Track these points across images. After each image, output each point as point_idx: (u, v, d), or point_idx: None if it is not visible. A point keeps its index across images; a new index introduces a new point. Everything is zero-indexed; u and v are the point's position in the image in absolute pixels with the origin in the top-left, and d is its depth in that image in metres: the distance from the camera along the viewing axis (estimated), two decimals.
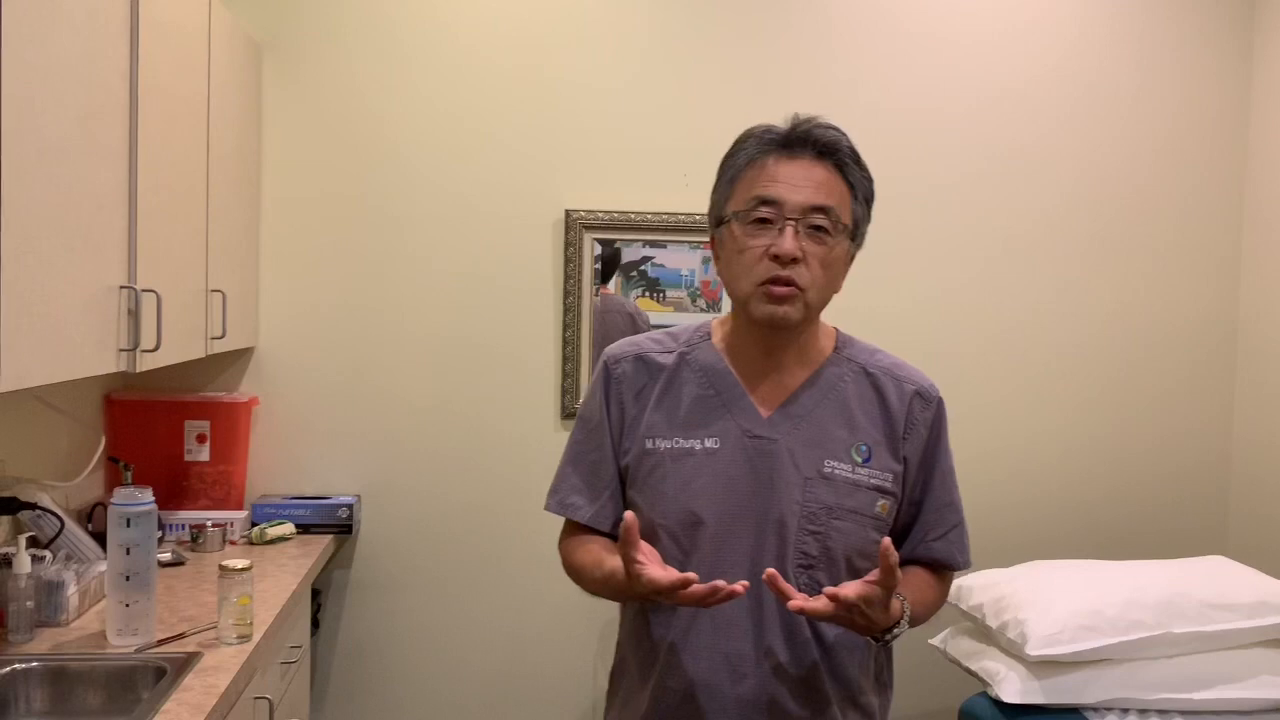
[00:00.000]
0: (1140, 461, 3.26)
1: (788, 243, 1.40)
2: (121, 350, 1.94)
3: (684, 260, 3.09)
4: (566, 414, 3.05)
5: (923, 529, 1.55)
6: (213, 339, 2.52)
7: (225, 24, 2.58)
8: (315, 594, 2.90)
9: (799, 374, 1.51)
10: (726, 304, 3.15)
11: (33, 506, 2.22)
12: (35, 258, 1.60)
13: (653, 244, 3.07)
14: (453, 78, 3.00)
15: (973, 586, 2.71)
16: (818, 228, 1.43)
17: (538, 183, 3.03)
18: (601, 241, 3.04)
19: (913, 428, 1.52)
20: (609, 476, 1.56)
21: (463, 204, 3.02)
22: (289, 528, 2.81)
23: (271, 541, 2.76)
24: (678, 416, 1.51)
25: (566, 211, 3.01)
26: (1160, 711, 2.44)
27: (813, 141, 1.45)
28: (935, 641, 2.83)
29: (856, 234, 1.49)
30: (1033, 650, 2.43)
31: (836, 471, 1.47)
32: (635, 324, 3.05)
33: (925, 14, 3.12)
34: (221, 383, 2.96)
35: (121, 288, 1.93)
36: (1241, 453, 3.25)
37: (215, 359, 2.78)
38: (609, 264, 3.06)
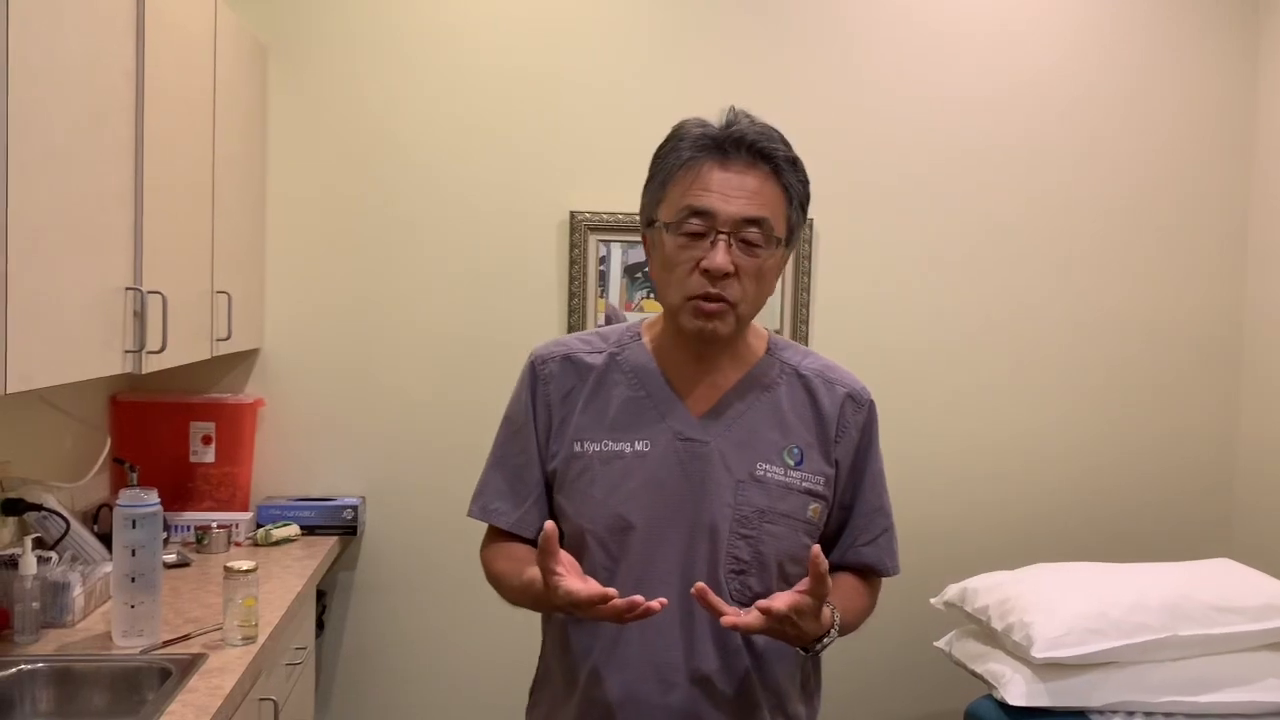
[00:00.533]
0: (1145, 462, 3.25)
1: (719, 257, 1.35)
2: (127, 351, 1.94)
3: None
4: None
5: (852, 534, 1.51)
6: (218, 340, 2.52)
7: (230, 25, 2.58)
8: (320, 595, 2.90)
9: (731, 375, 1.47)
10: None
11: (38, 508, 2.22)
12: (41, 259, 1.60)
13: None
14: (457, 79, 3.00)
15: (978, 589, 2.71)
16: (750, 241, 1.38)
17: (542, 184, 3.03)
18: (632, 244, 3.04)
19: (844, 431, 1.48)
20: (534, 481, 1.51)
21: (467, 205, 3.02)
22: (294, 529, 2.81)
23: (276, 543, 2.76)
24: (606, 418, 1.46)
25: (571, 213, 3.01)
26: (1166, 714, 2.43)
27: (748, 145, 1.38)
28: (940, 644, 2.82)
29: (791, 240, 1.45)
30: (1038, 653, 2.43)
31: (769, 474, 1.43)
32: None
33: (931, 12, 3.12)
34: (227, 384, 2.96)
35: (127, 289, 1.94)
36: (1247, 454, 3.24)
37: (220, 360, 2.78)
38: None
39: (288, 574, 2.49)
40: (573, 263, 3.02)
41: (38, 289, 1.59)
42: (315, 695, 2.90)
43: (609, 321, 3.03)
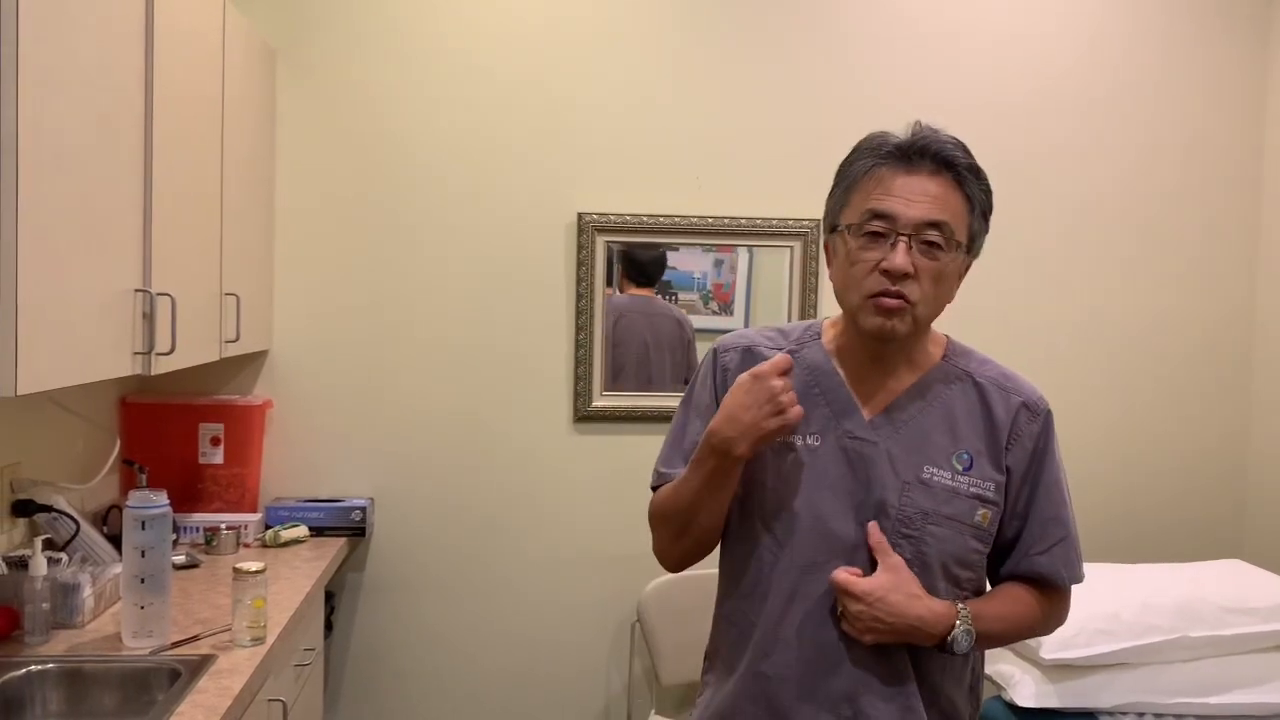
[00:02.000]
0: (1155, 463, 3.24)
1: (899, 258, 1.40)
2: (136, 353, 1.95)
3: (696, 263, 3.09)
4: (579, 416, 3.05)
5: (1026, 543, 1.52)
6: (227, 342, 2.53)
7: (239, 29, 2.59)
8: (329, 596, 2.91)
9: (905, 379, 1.51)
10: (738, 306, 3.17)
11: (49, 509, 2.23)
12: (51, 262, 1.61)
13: (665, 246, 3.07)
14: (465, 82, 3.00)
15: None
16: (930, 243, 1.41)
17: (550, 185, 3.03)
18: (637, 245, 3.05)
19: (1017, 439, 1.51)
20: None
21: (476, 207, 3.02)
22: (303, 530, 2.82)
23: (285, 544, 2.76)
24: None
25: (579, 214, 3.02)
26: (1176, 716, 2.43)
27: (931, 154, 1.43)
28: None
29: (972, 247, 1.49)
30: (1048, 654, 2.42)
31: (935, 478, 1.47)
32: (684, 329, 3.06)
33: (941, 16, 3.12)
34: (235, 386, 2.97)
35: (136, 291, 1.94)
36: (1258, 454, 3.23)
37: (229, 362, 2.79)
38: (650, 266, 3.06)
39: (296, 575, 2.50)
40: (580, 264, 3.02)
41: (48, 291, 1.60)
42: (324, 696, 2.90)
43: (649, 310, 3.06)
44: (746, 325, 3.12)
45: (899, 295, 1.41)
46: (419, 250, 3.02)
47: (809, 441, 1.49)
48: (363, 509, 2.90)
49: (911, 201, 1.41)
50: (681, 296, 3.09)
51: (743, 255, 3.11)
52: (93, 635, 2.02)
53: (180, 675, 1.82)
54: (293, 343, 3.00)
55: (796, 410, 1.41)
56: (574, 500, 3.09)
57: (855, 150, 1.50)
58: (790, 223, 3.06)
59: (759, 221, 3.06)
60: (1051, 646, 2.42)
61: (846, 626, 1.43)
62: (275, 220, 2.98)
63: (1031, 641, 2.46)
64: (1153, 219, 3.21)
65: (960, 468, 1.48)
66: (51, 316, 1.61)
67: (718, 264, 3.09)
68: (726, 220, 3.04)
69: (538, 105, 3.02)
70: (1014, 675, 2.50)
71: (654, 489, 1.65)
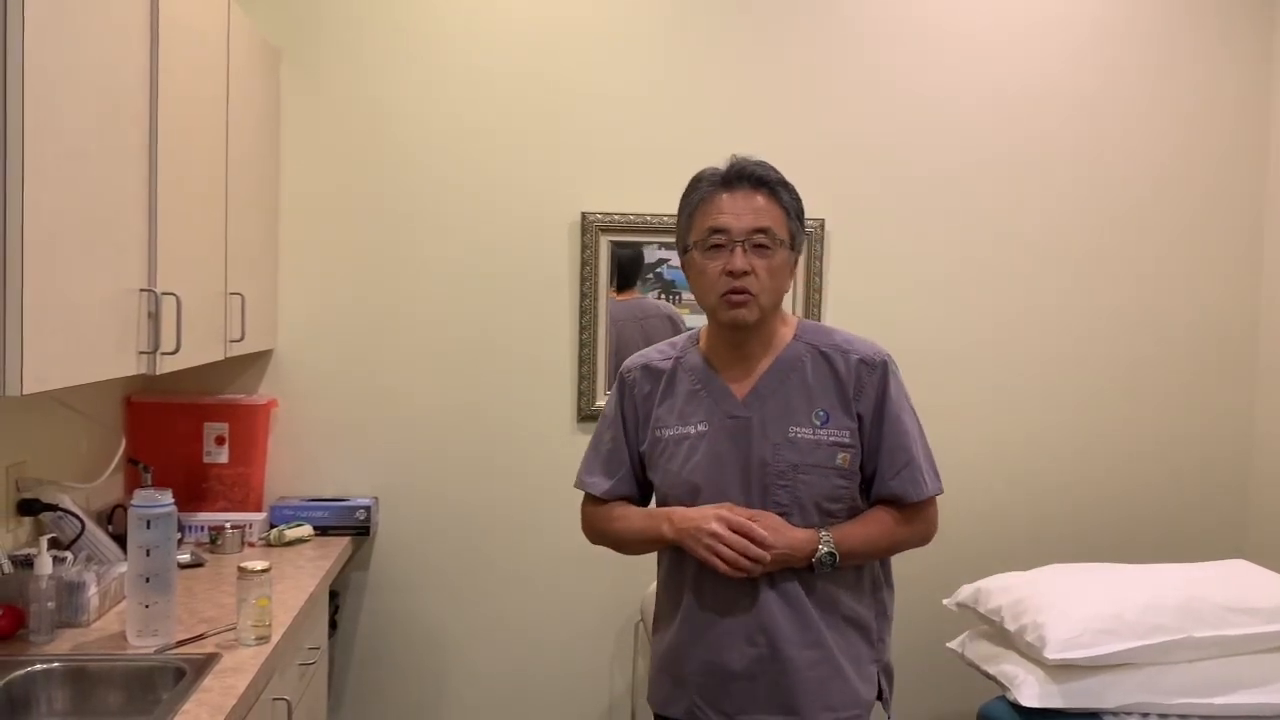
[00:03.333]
0: (1160, 463, 3.24)
1: (738, 261, 1.76)
2: (141, 353, 1.95)
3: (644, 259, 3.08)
4: (583, 415, 3.05)
5: (881, 472, 1.83)
6: (232, 341, 2.53)
7: (244, 29, 2.60)
8: (333, 595, 2.91)
9: (764, 361, 1.85)
10: None
11: (54, 508, 2.24)
12: (57, 261, 1.61)
13: (668, 246, 3.06)
14: (469, 81, 3.01)
15: (991, 589, 2.70)
16: (760, 245, 1.77)
17: (554, 185, 3.03)
18: (619, 244, 3.05)
19: (861, 390, 1.82)
20: (621, 461, 1.94)
21: (480, 206, 3.02)
22: (307, 529, 2.82)
23: (290, 543, 2.77)
24: (675, 409, 1.87)
25: (583, 214, 3.02)
26: (1180, 716, 2.42)
27: (748, 177, 1.80)
28: (953, 645, 2.81)
29: (794, 244, 1.82)
30: (1052, 654, 2.42)
31: (799, 435, 1.80)
32: (675, 326, 3.06)
33: (939, 13, 3.11)
34: (240, 385, 2.97)
35: (141, 290, 1.95)
36: (1262, 453, 3.23)
37: (234, 361, 2.80)
38: (628, 266, 3.06)
39: (301, 574, 2.50)
40: (584, 263, 3.02)
41: (53, 291, 1.60)
42: (328, 695, 2.91)
43: (641, 314, 3.08)
44: None
45: (743, 290, 1.75)
46: (423, 250, 3.02)
47: (699, 428, 1.84)
48: (367, 508, 2.91)
49: (739, 215, 1.78)
50: (685, 296, 3.09)
51: None
52: (98, 634, 2.02)
53: (185, 674, 1.83)
54: (297, 342, 3.00)
55: (716, 563, 1.73)
56: (577, 499, 3.06)
57: (690, 185, 1.86)
58: None
59: None
60: (1056, 647, 2.42)
61: (713, 567, 1.73)
62: (279, 219, 2.98)
63: (1035, 641, 2.45)
64: (1156, 217, 3.20)
65: (819, 423, 1.81)
66: (57, 316, 1.61)
67: None
68: None
69: (542, 105, 3.02)
70: (1018, 675, 2.50)
71: (576, 486, 2.03)
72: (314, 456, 3.01)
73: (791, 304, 3.10)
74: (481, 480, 3.06)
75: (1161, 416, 3.23)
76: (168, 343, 2.01)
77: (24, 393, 1.52)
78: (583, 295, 3.03)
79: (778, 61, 3.07)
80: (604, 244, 3.03)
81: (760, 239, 1.77)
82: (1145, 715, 2.43)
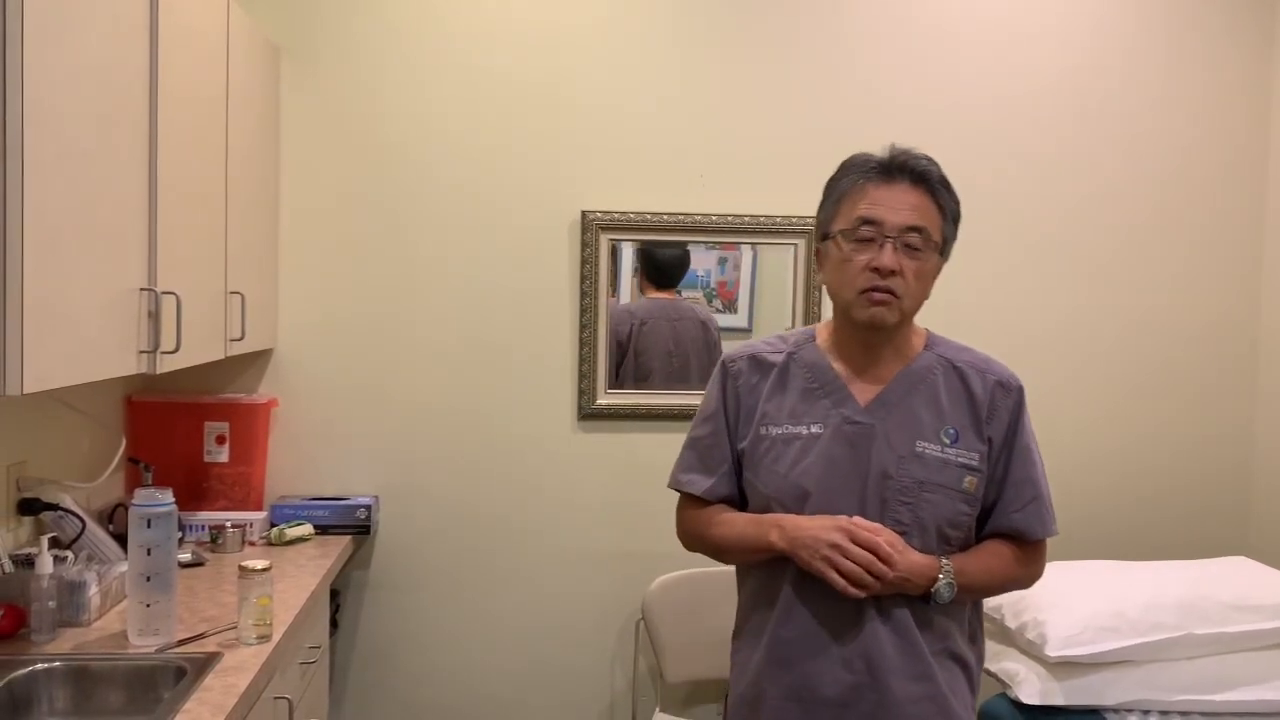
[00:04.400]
0: (1161, 461, 3.24)
1: (887, 257, 1.62)
2: (142, 352, 1.95)
3: (700, 260, 3.09)
4: (583, 414, 3.05)
5: (1004, 503, 1.71)
6: (232, 341, 2.53)
7: (243, 28, 2.59)
8: (334, 594, 2.91)
9: (893, 368, 1.73)
10: (741, 303, 3.17)
11: (54, 507, 2.24)
12: (57, 260, 1.61)
13: (668, 245, 3.07)
14: (469, 80, 3.00)
15: None
16: (912, 245, 1.64)
17: (554, 184, 3.03)
18: (659, 243, 3.05)
19: (995, 413, 1.71)
20: (722, 459, 1.78)
21: (479, 205, 3.02)
22: (308, 528, 2.82)
23: (290, 542, 2.77)
24: (786, 406, 1.73)
25: (583, 212, 3.02)
26: (1182, 713, 2.43)
27: (908, 170, 1.66)
28: None
29: (944, 249, 1.70)
30: (1053, 651, 2.42)
31: (927, 451, 1.67)
32: (709, 332, 3.06)
33: (943, 15, 3.11)
34: (241, 384, 2.97)
35: (142, 290, 1.95)
36: (1263, 452, 3.23)
37: (234, 361, 2.79)
38: (669, 266, 3.06)
39: (302, 573, 2.50)
40: (584, 262, 3.02)
41: (53, 290, 1.60)
42: (329, 693, 2.91)
43: (675, 315, 3.09)
44: (750, 323, 3.13)
45: (887, 289, 1.63)
46: (423, 248, 3.02)
47: (813, 429, 1.70)
48: (368, 507, 2.91)
49: (896, 209, 1.64)
50: (686, 294, 3.09)
51: (746, 253, 3.11)
52: (99, 633, 2.02)
53: (186, 673, 1.83)
54: (298, 341, 3.00)
55: (835, 578, 1.58)
56: (578, 498, 3.09)
57: (841, 169, 1.72)
58: (794, 220, 3.06)
59: (763, 219, 3.05)
60: (1057, 644, 2.42)
61: (832, 583, 1.58)
62: (280, 218, 2.98)
63: (1036, 639, 2.46)
64: (1157, 216, 3.20)
65: (948, 441, 1.68)
66: (57, 315, 1.61)
67: (721, 262, 3.09)
68: (730, 218, 3.04)
69: (542, 103, 3.02)
70: (1019, 673, 2.50)
71: (670, 486, 1.86)
72: (314, 455, 3.01)
73: (791, 305, 3.10)
74: (482, 479, 3.06)
75: (1163, 415, 3.23)
76: (168, 342, 2.01)
77: (24, 392, 1.52)
78: (583, 294, 3.03)
79: (778, 60, 3.07)
80: (604, 242, 3.03)
81: (913, 238, 1.64)
82: (1146, 712, 2.43)
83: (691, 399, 3.06)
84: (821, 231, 1.74)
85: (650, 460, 3.07)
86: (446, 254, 3.02)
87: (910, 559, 1.61)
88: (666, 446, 3.05)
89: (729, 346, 1.85)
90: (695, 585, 2.98)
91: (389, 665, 3.06)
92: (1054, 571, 2.69)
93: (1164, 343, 3.22)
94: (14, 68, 1.48)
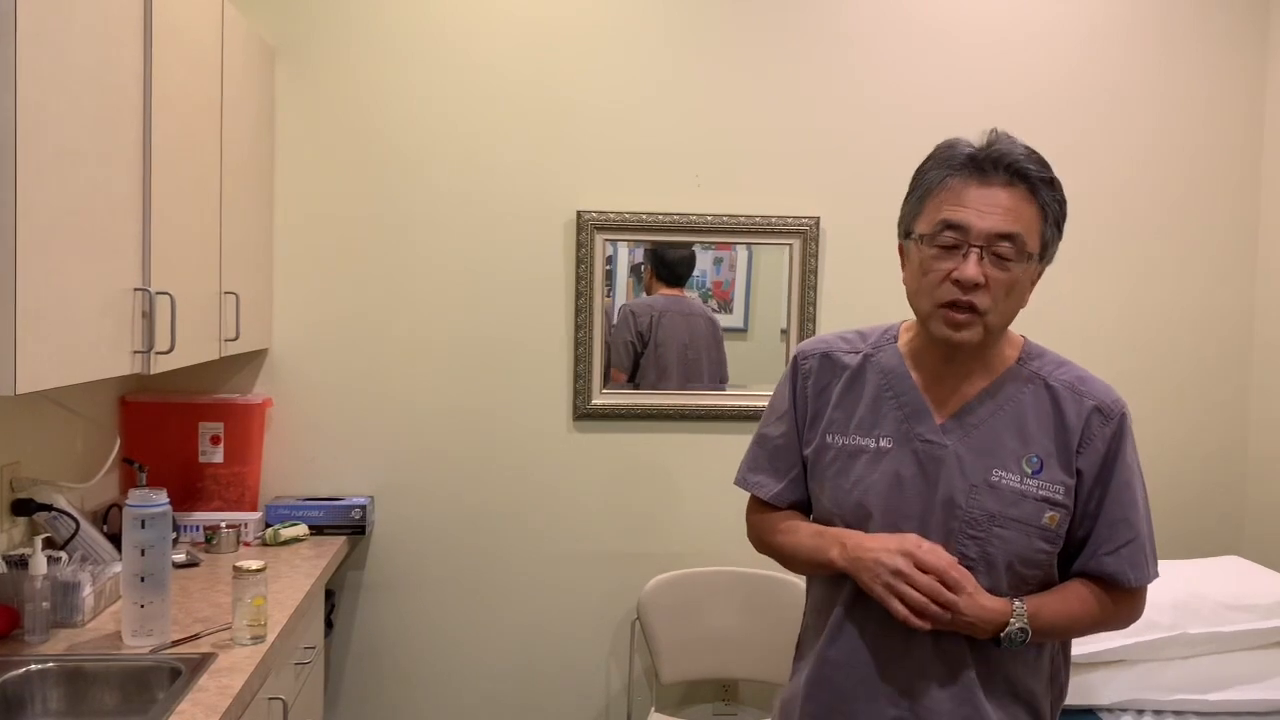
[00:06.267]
0: (1155, 460, 3.21)
1: (970, 269, 1.44)
2: (136, 352, 1.95)
3: (696, 261, 3.09)
4: (579, 414, 3.05)
5: (1095, 543, 1.54)
6: (226, 341, 2.53)
7: (238, 28, 2.59)
8: (329, 594, 2.91)
9: (978, 383, 1.55)
10: (737, 304, 3.17)
11: (48, 508, 2.23)
12: (50, 260, 1.61)
13: (665, 245, 3.07)
14: (464, 80, 3.00)
15: None
16: (1001, 255, 1.45)
17: (549, 184, 3.03)
18: (669, 244, 3.06)
19: (1089, 442, 1.53)
20: (792, 461, 1.65)
21: (475, 206, 3.02)
22: (303, 529, 2.82)
23: (285, 543, 2.77)
24: (855, 415, 1.58)
25: (578, 212, 3.02)
26: (1176, 713, 2.43)
27: (1005, 165, 1.46)
28: None
29: (1045, 255, 1.52)
30: None
31: (1004, 481, 1.50)
32: (715, 330, 3.07)
33: (939, 14, 3.11)
34: (235, 384, 2.97)
35: (136, 290, 1.94)
36: (1257, 451, 3.23)
37: (229, 361, 2.79)
38: (679, 265, 3.08)
39: (296, 573, 2.50)
40: (579, 262, 3.02)
41: (47, 290, 1.60)
42: (324, 694, 2.91)
43: (687, 310, 3.09)
44: (746, 323, 3.13)
45: (970, 306, 1.45)
46: (418, 248, 3.02)
47: (882, 444, 1.55)
48: (362, 507, 2.91)
49: (984, 213, 1.44)
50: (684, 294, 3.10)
51: (742, 253, 3.11)
52: (93, 634, 2.02)
53: (181, 674, 1.83)
54: (292, 341, 3.00)
55: (897, 607, 1.44)
56: (573, 499, 3.09)
57: (930, 158, 1.53)
58: (790, 220, 3.06)
59: (758, 219, 3.06)
60: None
61: (894, 612, 1.45)
62: (274, 219, 2.97)
63: None
64: (1152, 218, 3.21)
65: (1029, 470, 1.51)
66: (51, 316, 1.61)
67: (717, 262, 3.10)
68: (726, 218, 3.05)
69: (536, 103, 3.02)
70: None
71: (737, 484, 1.73)
72: (309, 456, 3.01)
73: (786, 304, 3.10)
74: (477, 478, 3.06)
75: (1156, 414, 3.23)
76: (162, 342, 2.01)
77: (18, 392, 1.51)
78: (578, 294, 3.03)
79: (775, 59, 3.07)
80: (599, 242, 3.03)
81: (1003, 247, 1.44)
82: (1140, 712, 2.44)
83: (687, 399, 3.07)
84: (904, 228, 1.56)
85: (646, 460, 3.08)
86: (441, 254, 3.02)
87: (979, 602, 1.44)
88: (662, 446, 3.09)
89: (806, 341, 1.70)
90: (691, 585, 2.99)
91: (384, 665, 3.06)
92: None
93: (1158, 341, 3.23)
94: (7, 67, 1.48)
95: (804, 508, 1.67)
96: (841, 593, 1.55)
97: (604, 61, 3.03)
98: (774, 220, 3.06)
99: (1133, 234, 3.21)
